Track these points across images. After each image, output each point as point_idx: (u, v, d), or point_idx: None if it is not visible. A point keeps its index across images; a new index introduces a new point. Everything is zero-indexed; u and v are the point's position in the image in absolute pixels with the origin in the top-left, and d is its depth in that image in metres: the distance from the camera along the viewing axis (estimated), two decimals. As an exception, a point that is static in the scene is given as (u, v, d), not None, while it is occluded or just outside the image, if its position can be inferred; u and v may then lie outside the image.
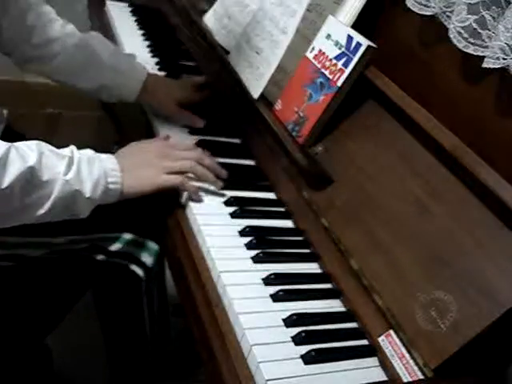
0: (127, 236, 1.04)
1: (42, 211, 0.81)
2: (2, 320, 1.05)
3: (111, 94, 1.14)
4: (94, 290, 1.17)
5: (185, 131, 1.11)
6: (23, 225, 0.91)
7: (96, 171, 0.85)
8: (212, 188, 0.96)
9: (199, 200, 0.93)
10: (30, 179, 0.78)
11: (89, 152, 0.88)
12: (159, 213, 0.96)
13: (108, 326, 1.20)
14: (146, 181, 0.90)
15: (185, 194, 0.93)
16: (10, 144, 0.77)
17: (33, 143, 0.82)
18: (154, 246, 1.06)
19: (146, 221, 1.03)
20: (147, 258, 1.07)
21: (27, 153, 0.79)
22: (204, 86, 1.22)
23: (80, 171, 0.83)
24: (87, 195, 0.84)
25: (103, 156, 0.89)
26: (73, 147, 0.87)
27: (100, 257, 1.04)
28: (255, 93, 1.08)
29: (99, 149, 0.91)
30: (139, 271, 1.06)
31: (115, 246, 1.04)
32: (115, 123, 1.39)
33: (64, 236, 0.99)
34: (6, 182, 0.75)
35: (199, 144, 1.05)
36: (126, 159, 0.91)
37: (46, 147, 0.83)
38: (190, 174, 0.94)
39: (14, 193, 0.77)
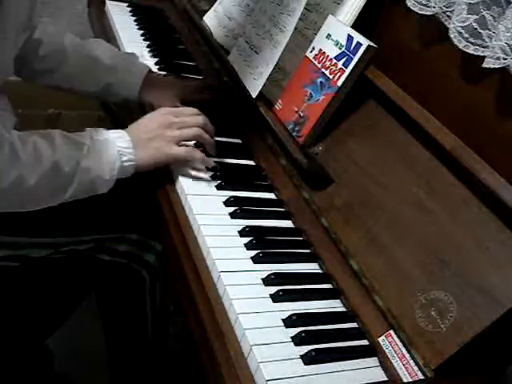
0: (132, 236, 1.04)
1: (62, 197, 0.86)
2: (6, 320, 1.05)
3: (116, 93, 1.16)
4: (97, 289, 1.17)
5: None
6: (28, 225, 0.92)
7: (112, 154, 0.89)
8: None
9: (209, 166, 0.97)
10: (55, 173, 0.83)
11: (103, 134, 0.91)
12: (159, 213, 0.96)
13: (110, 326, 1.20)
14: (158, 153, 0.94)
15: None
16: (33, 139, 0.82)
17: (54, 132, 0.86)
18: (157, 246, 1.07)
19: (150, 221, 1.03)
20: (151, 258, 1.07)
21: (47, 146, 0.83)
22: (207, 88, 1.22)
23: (99, 157, 0.88)
24: (106, 177, 0.88)
25: (116, 135, 0.92)
26: (89, 131, 0.90)
27: (104, 257, 1.05)
28: (254, 92, 1.08)
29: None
30: (143, 271, 1.07)
31: (120, 247, 1.04)
32: (115, 123, 1.39)
33: (68, 237, 0.99)
34: (34, 179, 0.80)
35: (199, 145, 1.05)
36: (137, 133, 0.93)
37: (61, 138, 0.86)
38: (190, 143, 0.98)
39: (39, 188, 0.82)
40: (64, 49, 1.12)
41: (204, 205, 0.91)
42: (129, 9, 1.54)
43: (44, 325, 1.14)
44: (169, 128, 0.96)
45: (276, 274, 0.81)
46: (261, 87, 1.08)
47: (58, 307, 1.13)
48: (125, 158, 0.90)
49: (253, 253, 0.84)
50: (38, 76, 1.13)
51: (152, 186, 0.98)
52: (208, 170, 0.99)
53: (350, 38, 0.93)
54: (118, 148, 0.90)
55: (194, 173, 0.96)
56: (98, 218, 1.02)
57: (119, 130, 0.93)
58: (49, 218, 0.95)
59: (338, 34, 0.96)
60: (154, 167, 0.94)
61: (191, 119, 0.99)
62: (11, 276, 1.01)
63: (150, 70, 1.18)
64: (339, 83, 0.93)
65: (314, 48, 0.99)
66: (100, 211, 0.99)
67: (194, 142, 0.99)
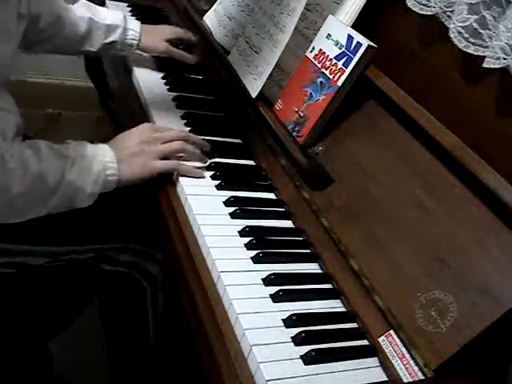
0: (133, 246, 1.04)
1: (43, 211, 0.84)
2: (5, 326, 1.05)
3: (118, 50, 1.23)
4: (99, 298, 1.17)
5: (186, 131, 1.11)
6: (26, 233, 0.92)
7: (95, 168, 0.87)
8: (199, 164, 0.99)
9: (201, 176, 0.97)
10: (37, 185, 0.81)
11: (87, 147, 0.89)
12: (159, 213, 0.96)
13: (112, 334, 1.20)
14: (141, 168, 0.93)
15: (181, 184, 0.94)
16: (20, 148, 0.81)
17: (34, 144, 0.84)
18: (159, 256, 1.07)
19: (151, 231, 1.03)
20: (152, 268, 1.07)
21: (32, 159, 0.81)
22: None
23: (81, 170, 0.86)
24: (88, 191, 0.87)
25: (100, 149, 0.91)
26: (73, 144, 0.89)
27: (106, 266, 1.05)
28: (254, 92, 1.08)
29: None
30: (144, 281, 1.07)
31: (121, 256, 1.04)
32: (115, 123, 1.39)
33: (68, 246, 0.99)
34: (18, 188, 0.79)
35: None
36: (119, 149, 0.92)
37: (48, 148, 0.85)
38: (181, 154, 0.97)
39: (23, 198, 0.80)
40: (61, 17, 1.14)
41: (204, 205, 0.91)
42: (129, 9, 1.54)
43: (45, 331, 1.14)
44: (152, 143, 0.95)
45: (276, 274, 0.81)
46: (261, 87, 1.08)
47: (59, 314, 1.13)
48: (108, 172, 0.89)
49: (253, 253, 0.84)
50: (38, 44, 1.14)
51: (152, 190, 0.98)
52: (208, 170, 0.99)
53: (349, 38, 0.93)
54: (103, 163, 0.89)
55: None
56: (99, 228, 1.02)
57: (102, 145, 0.92)
58: (47, 226, 0.95)
59: (338, 34, 0.96)
60: (138, 182, 0.93)
61: (171, 133, 0.98)
62: (10, 282, 1.01)
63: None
64: (339, 83, 0.93)
65: (314, 48, 0.99)
66: (100, 221, 0.99)
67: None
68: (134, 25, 1.24)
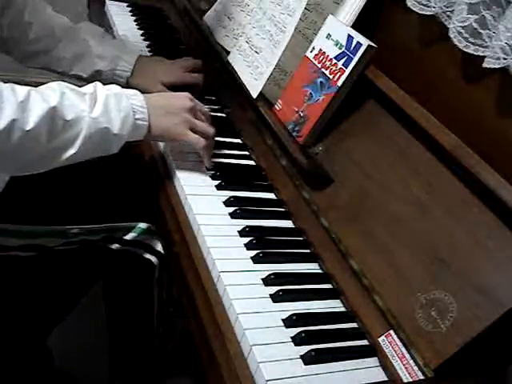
0: (142, 225, 1.04)
1: (72, 151, 0.82)
2: (12, 308, 1.05)
3: (105, 79, 1.16)
4: (104, 279, 1.17)
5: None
6: (37, 213, 0.91)
7: (124, 107, 0.86)
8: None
9: (209, 166, 0.98)
10: (55, 120, 0.79)
11: (115, 88, 0.89)
12: (159, 213, 0.96)
13: (115, 317, 1.20)
14: (172, 128, 0.93)
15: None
16: (29, 88, 0.79)
17: (54, 84, 0.83)
18: None
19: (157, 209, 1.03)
20: (160, 247, 1.07)
21: (48, 94, 0.80)
22: (194, 70, 1.23)
23: (108, 108, 0.85)
24: (116, 132, 0.85)
25: (130, 92, 0.90)
26: (97, 83, 0.89)
27: (115, 246, 1.05)
28: (254, 92, 1.08)
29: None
30: (153, 258, 1.07)
31: (130, 235, 1.04)
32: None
33: (79, 225, 0.99)
34: (31, 123, 0.76)
35: None
36: (155, 103, 0.92)
37: (68, 87, 0.84)
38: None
39: (40, 135, 0.78)
40: (54, 32, 1.12)
41: (204, 205, 0.91)
42: (129, 9, 1.54)
43: (48, 314, 1.14)
44: (191, 113, 0.95)
45: (276, 274, 0.81)
46: (261, 87, 1.08)
47: (63, 297, 1.13)
48: (138, 116, 0.88)
49: (253, 253, 0.84)
50: (30, 58, 1.14)
51: (153, 183, 0.99)
52: (208, 170, 0.99)
53: (349, 38, 0.93)
54: (132, 104, 0.88)
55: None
56: (109, 207, 1.02)
57: (133, 90, 0.91)
58: (59, 206, 0.96)
59: (337, 34, 0.96)
60: (161, 139, 0.94)
61: (208, 118, 1.00)
62: (23, 266, 1.01)
63: (140, 56, 1.19)
64: (339, 83, 0.93)
65: (314, 48, 0.99)
66: (110, 201, 0.99)
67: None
68: (128, 58, 1.18)
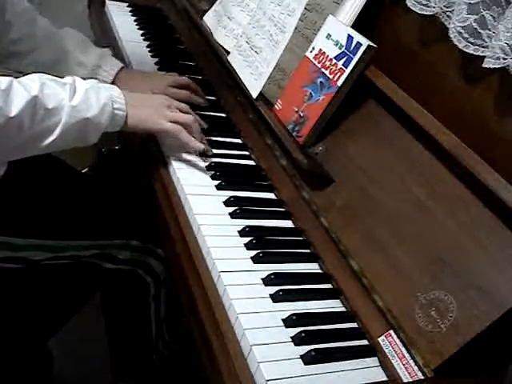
0: (134, 243, 1.04)
1: (52, 138, 0.84)
2: (7, 320, 1.05)
3: None
4: (102, 293, 1.17)
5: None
6: (30, 226, 0.91)
7: (102, 97, 0.89)
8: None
9: (198, 148, 0.99)
10: (37, 108, 0.81)
11: (93, 80, 0.91)
12: (159, 213, 0.96)
13: (114, 330, 1.20)
14: (148, 117, 0.95)
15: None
16: (11, 78, 0.80)
17: (34, 75, 0.85)
18: (159, 251, 1.07)
19: (151, 227, 1.03)
20: (155, 263, 1.07)
21: (29, 84, 0.82)
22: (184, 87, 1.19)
23: (87, 97, 0.87)
24: (94, 120, 0.87)
25: (107, 85, 0.93)
26: (75, 77, 0.91)
27: (108, 265, 1.05)
28: (254, 92, 1.08)
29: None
30: (148, 277, 1.07)
31: (123, 254, 1.04)
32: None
33: (70, 240, 0.99)
34: (14, 111, 0.78)
35: None
36: (133, 96, 0.95)
37: (48, 77, 0.86)
38: None
39: (23, 122, 0.80)
40: (35, 35, 1.11)
41: (204, 205, 0.91)
42: (129, 9, 1.54)
43: (46, 325, 1.14)
44: (168, 108, 0.98)
45: (276, 274, 0.81)
46: (261, 87, 1.08)
47: (59, 310, 1.13)
48: (116, 106, 0.90)
49: (253, 253, 0.84)
50: (9, 58, 1.12)
51: (151, 187, 0.99)
52: (208, 170, 0.99)
53: (349, 38, 0.93)
54: (110, 94, 0.90)
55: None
56: (100, 223, 1.01)
57: (111, 85, 0.95)
58: (48, 220, 0.95)
59: (338, 34, 0.96)
60: (138, 130, 0.95)
61: (187, 108, 1.02)
62: (12, 278, 1.01)
63: (122, 68, 1.16)
64: (339, 83, 0.93)
65: (313, 48, 0.99)
66: (101, 217, 0.98)
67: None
68: (109, 69, 1.15)
